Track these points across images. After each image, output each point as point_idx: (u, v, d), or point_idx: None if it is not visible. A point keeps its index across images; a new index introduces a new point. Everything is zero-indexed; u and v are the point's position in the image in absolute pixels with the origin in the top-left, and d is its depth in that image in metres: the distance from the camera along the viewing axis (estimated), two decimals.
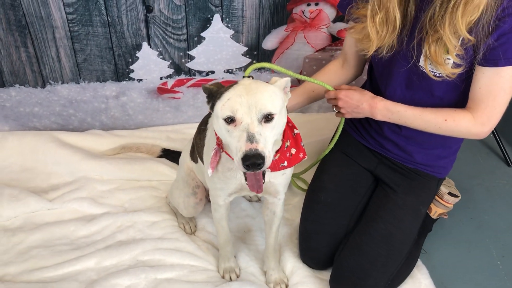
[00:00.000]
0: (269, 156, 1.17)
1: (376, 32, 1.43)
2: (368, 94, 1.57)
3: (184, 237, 1.85)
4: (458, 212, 2.01)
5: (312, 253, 1.73)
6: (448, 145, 1.66)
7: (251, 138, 1.15)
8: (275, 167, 1.38)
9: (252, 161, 1.12)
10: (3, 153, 2.18)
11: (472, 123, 1.43)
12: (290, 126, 1.43)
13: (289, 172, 1.49)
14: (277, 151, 1.36)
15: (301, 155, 1.42)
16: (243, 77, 1.43)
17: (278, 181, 1.47)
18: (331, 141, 1.84)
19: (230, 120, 1.20)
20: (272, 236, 1.66)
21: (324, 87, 1.66)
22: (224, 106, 1.20)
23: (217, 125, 1.26)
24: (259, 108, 1.18)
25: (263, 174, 1.27)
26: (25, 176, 2.11)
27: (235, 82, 1.27)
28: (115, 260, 1.75)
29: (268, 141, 1.19)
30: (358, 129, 1.77)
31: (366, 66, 1.82)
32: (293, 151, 1.41)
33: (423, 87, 1.49)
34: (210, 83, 2.25)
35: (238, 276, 1.72)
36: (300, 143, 1.43)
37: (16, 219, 1.91)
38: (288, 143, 1.39)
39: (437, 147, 1.64)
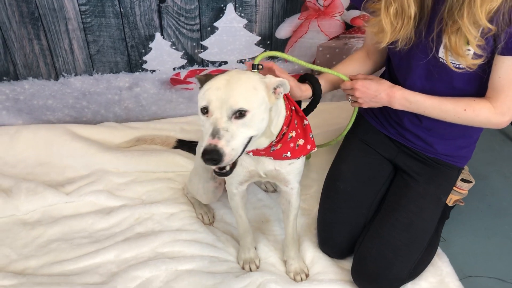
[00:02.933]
0: (230, 153, 1.14)
1: (391, 24, 1.40)
2: (386, 83, 1.55)
3: (203, 228, 1.85)
4: (475, 199, 2.00)
5: (331, 243, 1.72)
6: (469, 135, 1.64)
7: (214, 133, 1.13)
8: (278, 156, 1.38)
9: (209, 157, 1.11)
10: (18, 147, 2.17)
11: (492, 113, 1.42)
12: (300, 117, 1.42)
13: (299, 162, 1.47)
14: (278, 141, 1.34)
15: (309, 146, 1.41)
16: (252, 64, 1.41)
17: (285, 170, 1.46)
18: (348, 123, 1.82)
19: (206, 111, 1.19)
20: (290, 225, 1.66)
21: (339, 77, 1.64)
22: (203, 95, 1.19)
23: (199, 112, 1.25)
24: (230, 104, 1.15)
25: (232, 167, 1.23)
26: (40, 170, 2.11)
27: (224, 71, 1.26)
28: (134, 252, 1.74)
29: (236, 138, 1.16)
30: (378, 118, 1.76)
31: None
32: (301, 142, 1.40)
33: (443, 79, 1.47)
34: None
35: (258, 267, 1.72)
36: (309, 134, 1.42)
37: (35, 212, 1.91)
38: (293, 134, 1.37)
39: (458, 137, 1.63)
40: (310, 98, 1.64)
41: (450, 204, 1.85)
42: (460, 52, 1.33)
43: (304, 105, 1.67)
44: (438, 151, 1.66)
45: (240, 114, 1.16)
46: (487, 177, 2.15)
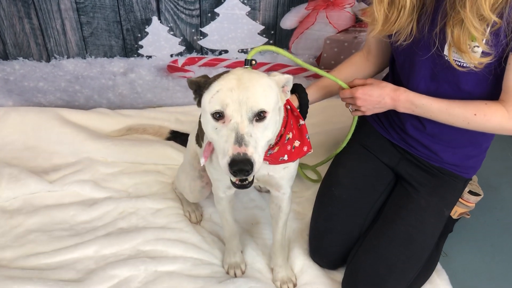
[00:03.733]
0: (259, 161, 1.04)
1: (385, 14, 1.31)
2: (388, 87, 1.43)
3: (189, 227, 1.75)
4: (482, 213, 1.87)
5: (323, 252, 1.62)
6: (478, 142, 1.51)
7: (240, 140, 1.02)
8: (274, 160, 1.27)
9: (240, 167, 1.00)
10: (5, 130, 2.09)
11: (505, 118, 1.29)
12: (295, 116, 1.31)
13: (293, 166, 1.37)
14: (276, 144, 1.24)
15: (305, 148, 1.30)
16: (245, 60, 1.29)
17: (279, 175, 1.36)
18: (347, 135, 1.70)
19: (218, 116, 1.07)
20: (279, 232, 1.55)
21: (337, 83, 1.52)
22: (212, 99, 1.07)
23: (204, 119, 1.13)
24: (251, 105, 1.05)
25: (252, 178, 1.14)
26: (27, 155, 2.02)
27: (226, 72, 1.14)
28: (114, 248, 1.66)
29: (259, 143, 1.06)
30: (381, 121, 1.63)
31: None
32: (297, 143, 1.29)
33: (448, 79, 1.35)
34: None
35: (243, 273, 1.63)
36: (305, 135, 1.31)
37: (15, 200, 1.83)
38: (290, 135, 1.26)
39: (465, 145, 1.50)
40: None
41: (454, 217, 1.73)
42: (463, 47, 1.20)
43: None
44: (444, 160, 1.54)
45: (259, 116, 1.06)
46: (497, 189, 2.01)
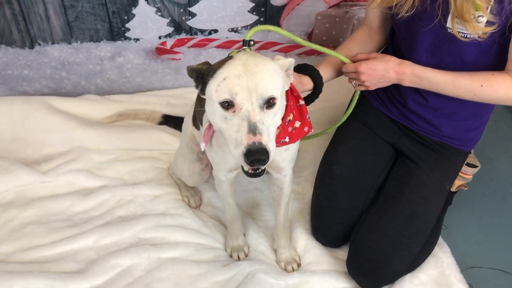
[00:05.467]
0: (273, 149, 1.02)
1: None
2: (393, 60, 1.39)
3: (189, 212, 1.73)
4: (480, 184, 1.88)
5: (325, 231, 1.61)
6: (479, 114, 1.50)
7: (253, 129, 1.00)
8: (275, 143, 1.24)
9: (257, 157, 0.98)
10: None
11: None
12: (295, 96, 1.28)
13: (294, 147, 1.35)
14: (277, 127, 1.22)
15: (306, 128, 1.28)
16: (243, 40, 1.25)
17: (280, 157, 1.34)
18: (346, 110, 1.67)
19: (227, 105, 1.04)
20: (281, 213, 1.54)
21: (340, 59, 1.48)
22: (219, 87, 1.04)
23: (210, 108, 1.10)
24: (260, 92, 1.02)
25: (264, 169, 1.12)
26: (16, 146, 1.96)
27: (229, 57, 1.10)
28: (115, 237, 1.63)
29: (271, 130, 1.05)
30: (380, 97, 1.61)
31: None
32: (297, 124, 1.27)
33: (451, 52, 1.33)
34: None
35: (246, 255, 1.62)
36: (305, 115, 1.28)
37: (8, 193, 1.78)
38: (290, 117, 1.24)
39: (467, 117, 1.49)
40: (310, 90, 1.48)
41: (453, 190, 1.74)
42: (467, 16, 1.18)
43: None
44: (445, 134, 1.53)
45: (269, 103, 1.04)
46: (493, 160, 2.02)
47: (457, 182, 1.72)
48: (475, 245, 1.68)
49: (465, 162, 1.64)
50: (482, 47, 1.27)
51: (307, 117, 1.29)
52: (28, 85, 2.14)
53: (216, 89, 1.04)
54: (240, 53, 1.12)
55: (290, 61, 1.15)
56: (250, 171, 1.10)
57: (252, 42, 1.27)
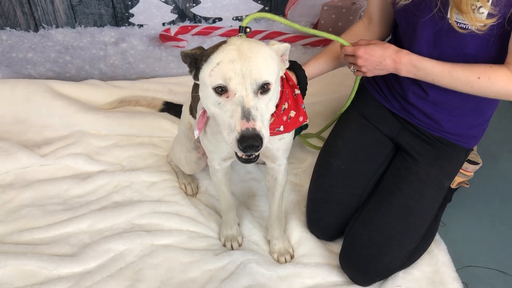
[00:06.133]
0: (267, 135, 1.01)
1: None
2: (391, 48, 1.36)
3: (185, 200, 1.73)
4: (482, 182, 1.85)
5: (320, 224, 1.59)
6: (482, 111, 1.46)
7: (247, 115, 0.98)
8: (270, 131, 1.23)
9: (250, 143, 0.97)
10: None
11: (511, 82, 1.24)
12: (291, 86, 1.27)
13: (288, 136, 1.33)
14: (272, 114, 1.20)
15: (301, 118, 1.27)
16: (240, 27, 1.24)
17: (274, 146, 1.32)
18: (350, 95, 1.65)
19: (221, 90, 1.02)
20: (276, 204, 1.53)
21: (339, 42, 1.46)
22: (213, 72, 1.03)
23: (204, 93, 1.08)
24: (255, 77, 1.00)
25: (257, 155, 1.10)
26: (17, 128, 1.98)
27: (223, 42, 1.08)
28: (109, 222, 1.64)
29: (265, 117, 1.03)
30: (381, 89, 1.58)
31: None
32: (293, 113, 1.25)
33: (452, 44, 1.29)
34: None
35: (240, 245, 1.61)
36: (301, 105, 1.27)
37: (8, 174, 1.80)
38: (285, 106, 1.22)
39: (469, 113, 1.45)
40: None
41: (453, 187, 1.71)
42: (464, 8, 1.15)
43: None
44: (445, 129, 1.49)
45: (263, 88, 1.03)
46: (497, 158, 1.98)
47: (458, 179, 1.69)
48: (473, 244, 1.65)
49: (467, 159, 1.60)
50: (483, 40, 1.24)
51: (303, 107, 1.28)
52: (32, 68, 2.15)
53: (210, 74, 1.03)
54: (234, 37, 1.10)
55: (286, 46, 1.12)
56: (243, 157, 1.09)
57: (248, 29, 1.25)
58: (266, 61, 1.04)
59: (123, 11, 2.01)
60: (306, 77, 1.41)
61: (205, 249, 1.58)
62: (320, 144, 1.88)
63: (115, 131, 1.98)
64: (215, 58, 1.04)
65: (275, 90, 1.08)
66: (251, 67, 1.01)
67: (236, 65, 1.01)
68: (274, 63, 1.08)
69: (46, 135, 1.97)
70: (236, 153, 1.11)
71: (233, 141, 1.00)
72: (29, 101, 2.03)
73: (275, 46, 1.12)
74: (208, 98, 1.06)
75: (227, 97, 1.03)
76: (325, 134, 1.84)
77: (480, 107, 1.45)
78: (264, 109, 1.03)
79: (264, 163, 1.90)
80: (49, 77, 2.19)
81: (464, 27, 1.21)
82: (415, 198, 1.45)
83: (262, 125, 1.00)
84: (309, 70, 1.50)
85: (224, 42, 1.09)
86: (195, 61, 1.10)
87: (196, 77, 1.12)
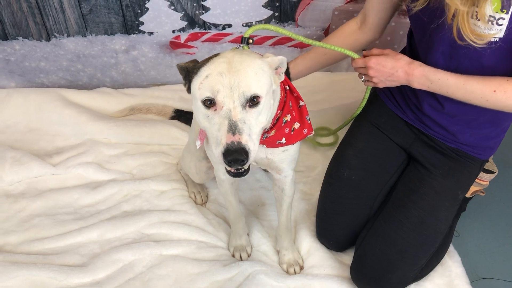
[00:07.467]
0: (254, 149, 0.99)
1: None
2: (404, 59, 1.32)
3: (194, 209, 1.72)
4: (498, 190, 1.80)
5: (330, 234, 1.57)
6: (499, 121, 1.40)
7: (233, 128, 0.97)
8: (271, 143, 1.22)
9: (235, 157, 0.95)
10: (7, 112, 2.06)
11: None
12: (295, 97, 1.24)
13: (293, 148, 1.30)
14: (271, 127, 1.18)
15: (305, 130, 1.24)
16: (242, 37, 1.23)
17: (278, 158, 1.30)
18: (361, 102, 1.62)
19: (209, 103, 1.01)
20: (284, 214, 1.51)
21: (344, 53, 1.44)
22: (202, 85, 1.01)
23: (195, 107, 1.07)
24: (243, 90, 0.99)
25: (247, 169, 1.08)
26: (30, 137, 2.00)
27: (216, 55, 1.07)
28: (119, 232, 1.64)
29: (253, 130, 1.01)
30: (396, 99, 1.53)
31: (402, 32, 1.57)
32: (297, 125, 1.23)
33: (470, 55, 1.24)
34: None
35: (249, 255, 1.60)
36: (305, 116, 1.24)
37: (20, 184, 1.81)
38: (287, 118, 1.20)
39: (486, 125, 1.40)
40: None
41: (468, 196, 1.66)
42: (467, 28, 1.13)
43: None
44: (461, 141, 1.44)
45: (252, 101, 1.01)
46: None
47: (473, 188, 1.65)
48: (488, 255, 1.61)
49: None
50: (503, 51, 1.19)
51: (307, 118, 1.25)
52: (45, 77, 2.18)
53: (199, 87, 1.02)
54: (227, 50, 1.09)
55: (280, 59, 1.09)
56: (232, 171, 1.07)
57: (251, 40, 1.23)
58: (256, 74, 1.02)
59: (133, 19, 2.02)
60: (289, 73, 1.37)
61: (213, 260, 1.57)
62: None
63: (125, 139, 1.98)
64: (204, 71, 1.03)
65: (266, 103, 1.05)
66: (239, 80, 0.99)
67: (225, 77, 0.99)
68: (265, 76, 1.05)
69: (57, 144, 1.99)
70: (225, 168, 1.09)
71: (219, 154, 0.99)
72: (41, 110, 2.05)
73: (269, 59, 1.09)
74: (198, 111, 1.05)
75: (215, 110, 1.01)
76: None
77: (497, 118, 1.39)
78: (253, 122, 1.01)
79: (267, 172, 1.90)
80: (61, 85, 2.21)
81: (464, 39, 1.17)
82: (429, 211, 1.41)
83: (248, 139, 0.98)
84: (296, 67, 1.48)
85: (217, 55, 1.07)
86: (188, 73, 1.09)
87: (189, 90, 1.11)
